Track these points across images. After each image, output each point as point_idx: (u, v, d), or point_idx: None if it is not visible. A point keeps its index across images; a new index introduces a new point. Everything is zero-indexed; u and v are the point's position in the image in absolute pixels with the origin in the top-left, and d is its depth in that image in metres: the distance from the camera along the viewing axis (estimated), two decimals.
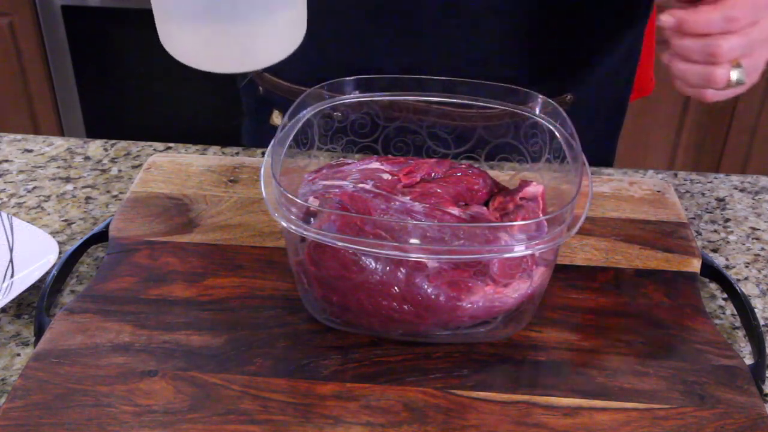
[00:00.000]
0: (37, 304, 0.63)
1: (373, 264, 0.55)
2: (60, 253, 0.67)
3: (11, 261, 0.67)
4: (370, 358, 0.58)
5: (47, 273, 0.64)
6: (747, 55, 0.59)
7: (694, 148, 2.02)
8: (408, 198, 0.59)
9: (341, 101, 0.67)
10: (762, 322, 0.64)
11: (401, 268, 0.55)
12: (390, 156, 0.67)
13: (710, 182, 0.83)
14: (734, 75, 0.60)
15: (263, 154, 0.85)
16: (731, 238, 0.75)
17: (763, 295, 0.68)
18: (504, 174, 0.71)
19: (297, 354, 0.58)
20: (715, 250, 0.73)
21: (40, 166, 0.83)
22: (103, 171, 0.83)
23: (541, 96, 0.64)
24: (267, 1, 0.63)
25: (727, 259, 0.72)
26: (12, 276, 0.65)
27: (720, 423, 0.54)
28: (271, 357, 0.58)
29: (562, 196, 0.62)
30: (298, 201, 0.54)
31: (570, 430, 0.53)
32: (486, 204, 0.62)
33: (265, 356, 0.58)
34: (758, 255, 0.72)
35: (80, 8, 1.96)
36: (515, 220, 0.58)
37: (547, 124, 0.64)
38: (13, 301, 0.64)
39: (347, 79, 0.67)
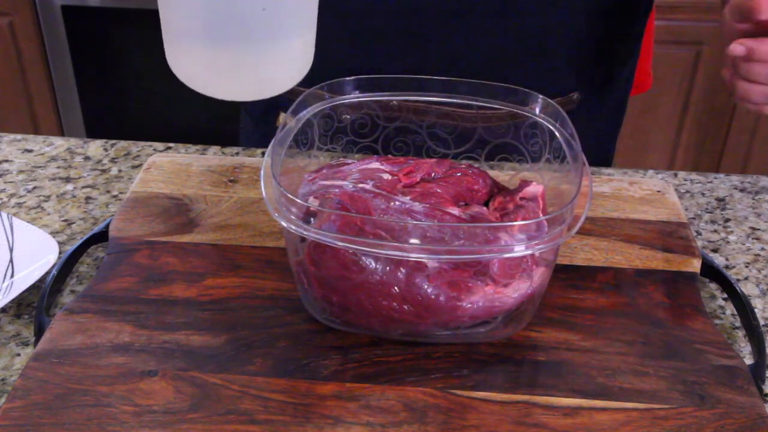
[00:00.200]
0: (37, 304, 0.63)
1: (373, 264, 0.55)
2: (60, 253, 0.67)
3: (11, 261, 0.67)
4: (370, 358, 0.58)
5: (47, 273, 0.64)
6: None
7: (694, 148, 2.02)
8: (408, 198, 0.59)
9: (341, 101, 0.67)
10: (762, 322, 0.64)
11: (401, 268, 0.55)
12: (390, 156, 0.67)
13: (710, 182, 0.83)
14: None
15: (263, 154, 0.85)
16: (731, 238, 0.75)
17: (763, 295, 0.68)
18: (504, 174, 0.71)
19: (297, 354, 0.58)
20: (715, 250, 0.73)
21: (40, 166, 0.83)
22: (103, 171, 0.83)
23: (541, 96, 0.65)
24: (279, 30, 0.62)
25: (727, 259, 0.72)
26: (12, 276, 0.65)
27: (720, 423, 0.54)
28: (271, 357, 0.58)
29: (562, 196, 0.62)
30: (298, 201, 0.54)
31: (570, 430, 0.53)
32: (486, 204, 0.62)
33: (265, 356, 0.58)
34: (758, 255, 0.72)
35: (80, 8, 1.96)
36: (515, 220, 0.58)
37: (547, 124, 0.64)
38: (13, 301, 0.64)
39: (347, 79, 0.67)
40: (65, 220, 0.75)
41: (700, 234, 0.75)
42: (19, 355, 0.60)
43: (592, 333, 0.61)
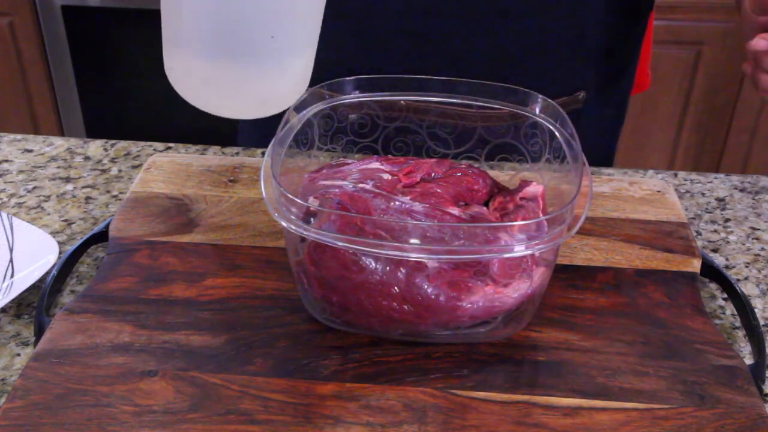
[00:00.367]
0: (37, 304, 0.63)
1: (373, 264, 0.55)
2: (60, 253, 0.67)
3: (11, 261, 0.67)
4: (370, 358, 0.58)
5: (47, 273, 0.64)
6: None
7: (694, 148, 2.02)
8: (408, 198, 0.59)
9: (341, 101, 0.67)
10: (762, 322, 0.64)
11: (401, 268, 0.55)
12: (390, 156, 0.67)
13: (710, 182, 0.83)
14: None
15: (263, 154, 0.85)
16: (731, 238, 0.75)
17: (763, 295, 0.68)
18: (504, 174, 0.71)
19: (297, 354, 0.58)
20: (715, 250, 0.73)
21: (40, 166, 0.83)
22: (103, 171, 0.83)
23: (541, 96, 0.65)
24: (284, 51, 0.62)
25: (727, 259, 0.72)
26: (12, 276, 0.65)
27: (720, 423, 0.54)
28: (271, 357, 0.58)
29: (562, 196, 0.62)
30: (298, 201, 0.54)
31: (570, 430, 0.53)
32: (486, 204, 0.62)
33: (265, 356, 0.58)
34: (758, 255, 0.72)
35: (80, 8, 1.96)
36: (515, 220, 0.58)
37: (547, 124, 0.64)
38: (13, 301, 0.64)
39: (347, 79, 0.67)
40: (65, 220, 0.75)
41: (700, 234, 0.75)
42: (19, 355, 0.60)
43: (592, 333, 0.61)
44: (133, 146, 0.87)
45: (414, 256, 0.53)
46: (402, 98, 0.67)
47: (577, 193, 0.55)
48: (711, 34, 1.87)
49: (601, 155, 0.94)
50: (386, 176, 0.62)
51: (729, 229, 0.76)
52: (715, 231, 0.76)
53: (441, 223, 0.55)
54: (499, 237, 0.54)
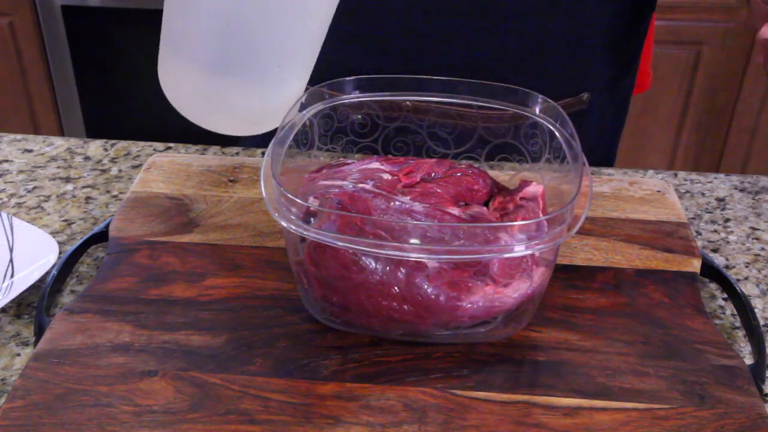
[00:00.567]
0: (37, 304, 0.63)
1: (373, 264, 0.55)
2: (60, 253, 0.67)
3: (11, 261, 0.67)
4: (370, 358, 0.58)
5: (47, 273, 0.64)
6: None
7: (694, 148, 2.02)
8: (408, 198, 0.59)
9: (341, 101, 0.67)
10: (762, 322, 0.64)
11: (401, 268, 0.55)
12: (390, 156, 0.67)
13: (710, 182, 0.83)
14: None
15: (263, 154, 0.85)
16: (731, 238, 0.75)
17: (763, 295, 0.68)
18: (504, 174, 0.71)
19: (297, 354, 0.58)
20: (715, 250, 0.73)
21: (40, 166, 0.83)
22: (103, 171, 0.83)
23: (541, 96, 0.65)
24: (285, 73, 0.62)
25: (727, 259, 0.72)
26: (12, 276, 0.65)
27: (720, 423, 0.54)
28: (271, 357, 0.58)
29: (562, 196, 0.62)
30: (298, 201, 0.54)
31: (570, 430, 0.53)
32: (486, 204, 0.62)
33: (265, 356, 0.58)
34: (758, 255, 0.72)
35: (80, 8, 1.96)
36: (515, 220, 0.58)
37: (547, 124, 0.64)
38: (13, 301, 0.64)
39: (347, 79, 0.67)
40: (65, 220, 0.75)
41: (700, 234, 0.75)
42: (19, 355, 0.60)
43: (592, 333, 0.61)
44: (133, 146, 0.87)
45: (414, 256, 0.53)
46: (402, 98, 0.67)
47: (577, 193, 0.55)
48: (711, 34, 1.87)
49: (602, 155, 0.95)
50: (386, 176, 0.62)
51: (729, 229, 0.76)
52: (715, 231, 0.76)
53: (441, 223, 0.55)
54: (499, 237, 0.54)
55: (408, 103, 0.69)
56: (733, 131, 1.98)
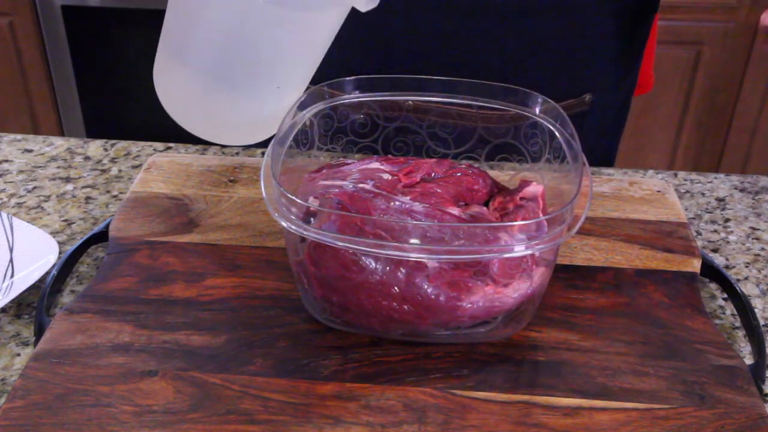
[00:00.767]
0: (37, 304, 0.63)
1: (373, 264, 0.55)
2: (60, 253, 0.67)
3: (11, 261, 0.67)
4: (370, 358, 0.58)
5: (47, 273, 0.64)
6: None
7: (694, 148, 2.02)
8: (408, 198, 0.59)
9: (341, 101, 0.67)
10: (762, 322, 0.64)
11: (401, 268, 0.55)
12: (390, 156, 0.67)
13: (710, 182, 0.83)
14: None
15: (263, 154, 0.85)
16: (731, 238, 0.75)
17: (763, 295, 0.68)
18: (504, 174, 0.71)
19: (297, 354, 0.58)
20: (715, 250, 0.73)
21: (40, 166, 0.83)
22: (103, 171, 0.83)
23: (541, 96, 0.65)
24: (283, 92, 0.62)
25: (727, 259, 0.72)
26: (12, 276, 0.65)
27: (720, 423, 0.54)
28: (271, 357, 0.58)
29: (562, 196, 0.62)
30: (298, 201, 0.54)
31: (570, 430, 0.53)
32: (486, 204, 0.62)
33: (265, 356, 0.58)
34: (758, 255, 0.72)
35: (80, 8, 1.96)
36: (515, 220, 0.58)
37: (547, 124, 0.64)
38: (13, 301, 0.64)
39: (347, 79, 0.67)
40: (65, 220, 0.75)
41: (700, 234, 0.75)
42: (19, 355, 0.60)
43: (592, 333, 0.61)
44: (133, 146, 0.87)
45: (414, 256, 0.53)
46: (402, 98, 0.67)
47: (577, 193, 0.55)
48: (711, 34, 1.87)
49: (603, 156, 0.95)
50: (386, 176, 0.62)
51: (729, 229, 0.76)
52: (715, 231, 0.76)
53: (441, 223, 0.55)
54: (499, 237, 0.54)
55: (403, 102, 0.69)
56: (733, 131, 1.98)
